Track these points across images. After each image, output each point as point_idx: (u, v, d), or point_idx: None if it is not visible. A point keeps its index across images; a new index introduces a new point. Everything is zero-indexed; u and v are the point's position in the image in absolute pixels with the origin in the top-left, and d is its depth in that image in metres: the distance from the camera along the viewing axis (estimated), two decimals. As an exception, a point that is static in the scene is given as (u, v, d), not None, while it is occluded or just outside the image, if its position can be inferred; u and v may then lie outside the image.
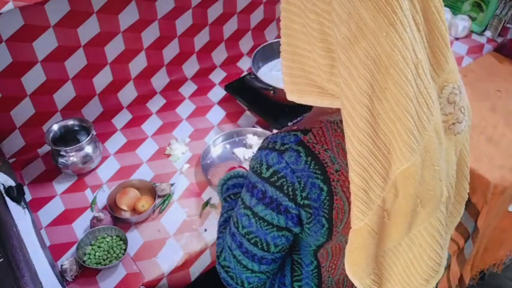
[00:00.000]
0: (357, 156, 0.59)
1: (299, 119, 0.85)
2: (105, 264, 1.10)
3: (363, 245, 0.65)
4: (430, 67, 0.60)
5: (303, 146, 0.66)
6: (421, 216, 0.64)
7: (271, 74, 1.54)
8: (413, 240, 0.67)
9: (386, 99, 0.56)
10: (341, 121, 0.61)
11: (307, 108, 0.74)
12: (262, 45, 1.58)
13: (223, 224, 0.87)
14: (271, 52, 1.58)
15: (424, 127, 0.58)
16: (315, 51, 0.61)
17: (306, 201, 0.67)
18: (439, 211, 0.66)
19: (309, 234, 0.72)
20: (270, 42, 1.60)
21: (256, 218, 0.71)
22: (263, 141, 0.72)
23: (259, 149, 0.70)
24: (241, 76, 1.62)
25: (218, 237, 0.84)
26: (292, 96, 0.67)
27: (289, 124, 1.37)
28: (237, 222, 0.74)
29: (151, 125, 1.52)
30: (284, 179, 0.66)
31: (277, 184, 0.67)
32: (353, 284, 0.72)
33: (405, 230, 0.65)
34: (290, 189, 0.66)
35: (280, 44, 0.67)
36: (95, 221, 1.16)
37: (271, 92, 1.38)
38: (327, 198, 0.67)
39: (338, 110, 0.63)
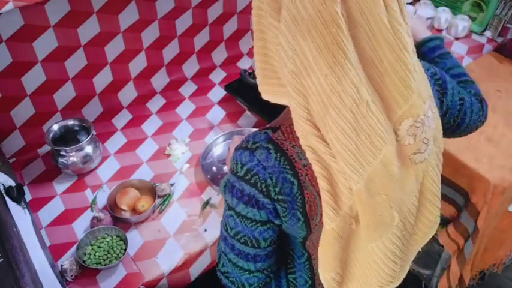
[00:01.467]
0: (318, 169, 0.64)
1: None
2: (105, 264, 1.10)
3: (328, 245, 0.69)
4: (382, 105, 0.62)
5: (272, 143, 0.69)
6: (371, 236, 0.68)
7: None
8: (369, 253, 0.71)
9: (327, 133, 0.60)
10: None
11: None
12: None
13: None
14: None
15: (367, 161, 0.61)
16: None
17: (280, 196, 0.69)
18: (391, 233, 0.69)
19: (288, 228, 0.74)
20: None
21: (240, 217, 0.73)
22: (240, 141, 0.74)
23: (235, 149, 0.73)
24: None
25: (218, 243, 0.85)
26: (266, 96, 0.69)
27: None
28: (226, 224, 0.76)
29: (151, 125, 1.52)
30: (257, 176, 0.69)
31: (251, 182, 0.69)
32: None
33: (369, 239, 0.69)
34: (263, 186, 0.69)
35: None
36: (95, 221, 1.17)
37: None
38: (298, 192, 0.70)
39: None
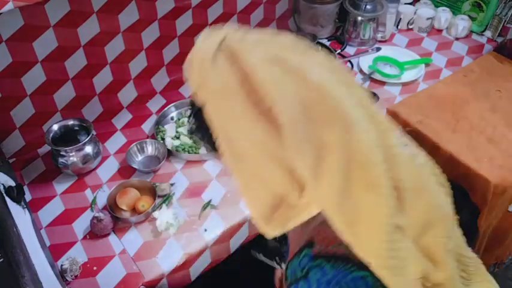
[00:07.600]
0: None
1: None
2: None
3: None
4: None
5: (320, 257, 0.62)
6: None
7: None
8: None
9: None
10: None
11: None
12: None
13: None
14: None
15: None
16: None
17: None
18: None
19: None
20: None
21: None
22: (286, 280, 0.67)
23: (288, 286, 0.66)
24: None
25: None
26: (275, 231, 0.61)
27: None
28: None
29: (151, 125, 1.52)
30: None
31: None
32: None
33: None
34: None
35: None
36: (95, 221, 1.16)
37: None
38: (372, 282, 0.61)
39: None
